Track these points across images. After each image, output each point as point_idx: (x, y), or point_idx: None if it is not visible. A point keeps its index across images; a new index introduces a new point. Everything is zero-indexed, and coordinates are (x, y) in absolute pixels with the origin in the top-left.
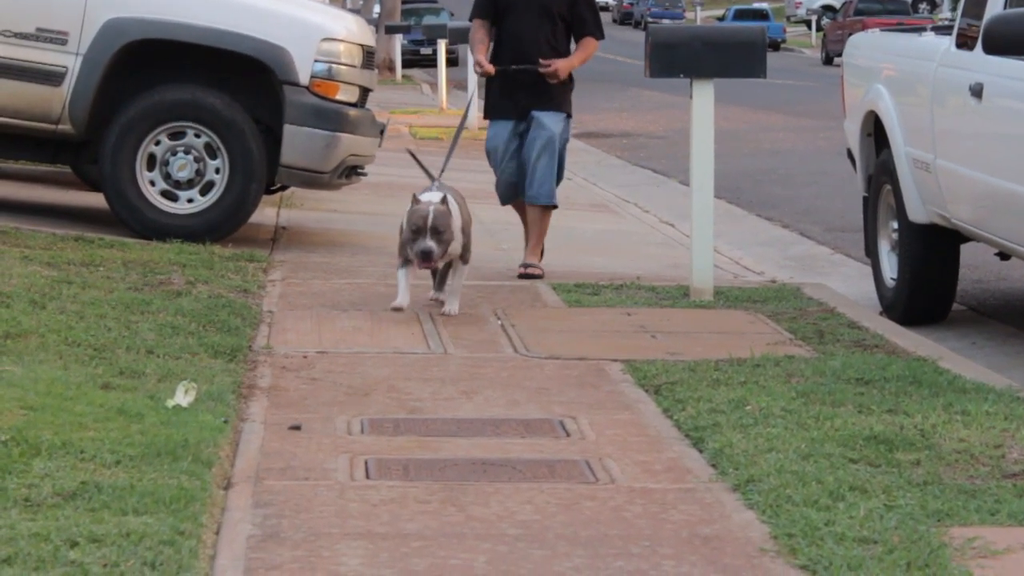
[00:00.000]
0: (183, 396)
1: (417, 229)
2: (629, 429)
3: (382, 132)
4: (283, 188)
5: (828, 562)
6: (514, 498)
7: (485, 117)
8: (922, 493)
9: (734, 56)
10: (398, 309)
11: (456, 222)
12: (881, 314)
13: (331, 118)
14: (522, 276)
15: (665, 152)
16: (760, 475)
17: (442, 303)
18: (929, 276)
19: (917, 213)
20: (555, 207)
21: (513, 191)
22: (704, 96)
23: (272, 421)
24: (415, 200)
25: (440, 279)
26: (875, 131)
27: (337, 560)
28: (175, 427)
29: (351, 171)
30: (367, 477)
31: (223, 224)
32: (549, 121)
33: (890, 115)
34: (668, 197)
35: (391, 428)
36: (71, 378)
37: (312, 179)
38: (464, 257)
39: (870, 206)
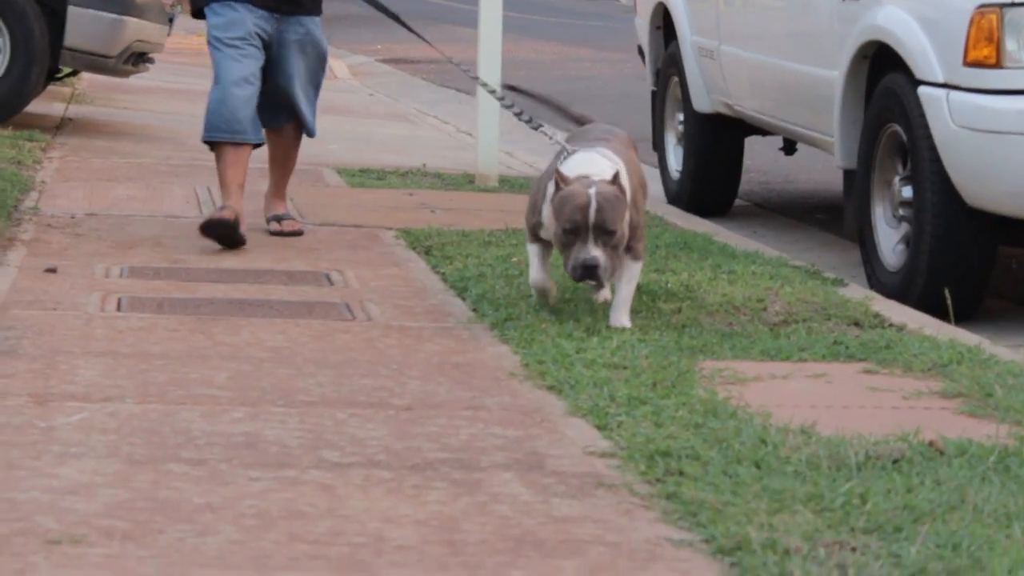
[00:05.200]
0: None
1: (574, 227)
2: (395, 281)
3: (171, 21)
4: (73, 74)
5: (575, 382)
6: (266, 330)
7: None
8: (679, 333)
9: None
10: (542, 289)
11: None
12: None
13: (117, 1)
14: (278, 233)
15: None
16: (518, 314)
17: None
18: (713, 167)
19: (702, 102)
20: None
21: (248, 109)
22: None
23: (28, 266)
24: (561, 178)
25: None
26: (664, 24)
27: (74, 372)
28: None
29: (139, 58)
30: (118, 310)
31: (3, 106)
32: (318, 32)
33: (677, 5)
34: (470, 112)
35: (151, 274)
36: None
37: (97, 63)
38: (632, 247)
39: (657, 99)
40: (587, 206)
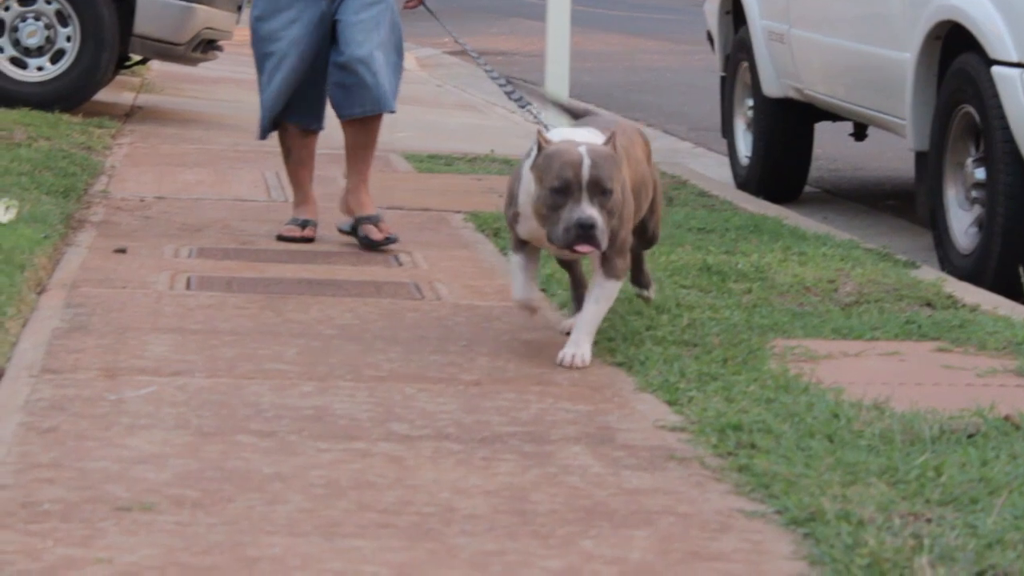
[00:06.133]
0: (3, 213)
1: (564, 184)
2: (464, 263)
3: (239, 8)
4: (141, 63)
5: (644, 358)
6: (335, 308)
7: None
8: (749, 313)
9: None
10: (526, 307)
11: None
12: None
13: None
14: (371, 244)
15: (539, 67)
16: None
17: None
18: (783, 152)
19: (771, 87)
20: (392, 112)
21: (312, 103)
22: None
23: (98, 247)
24: (544, 139)
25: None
26: (734, 9)
27: (143, 348)
28: None
29: (207, 45)
30: (187, 288)
31: (74, 93)
32: None
33: None
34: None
35: (220, 255)
36: None
37: (166, 50)
38: (608, 260)
39: (727, 85)
40: (579, 162)
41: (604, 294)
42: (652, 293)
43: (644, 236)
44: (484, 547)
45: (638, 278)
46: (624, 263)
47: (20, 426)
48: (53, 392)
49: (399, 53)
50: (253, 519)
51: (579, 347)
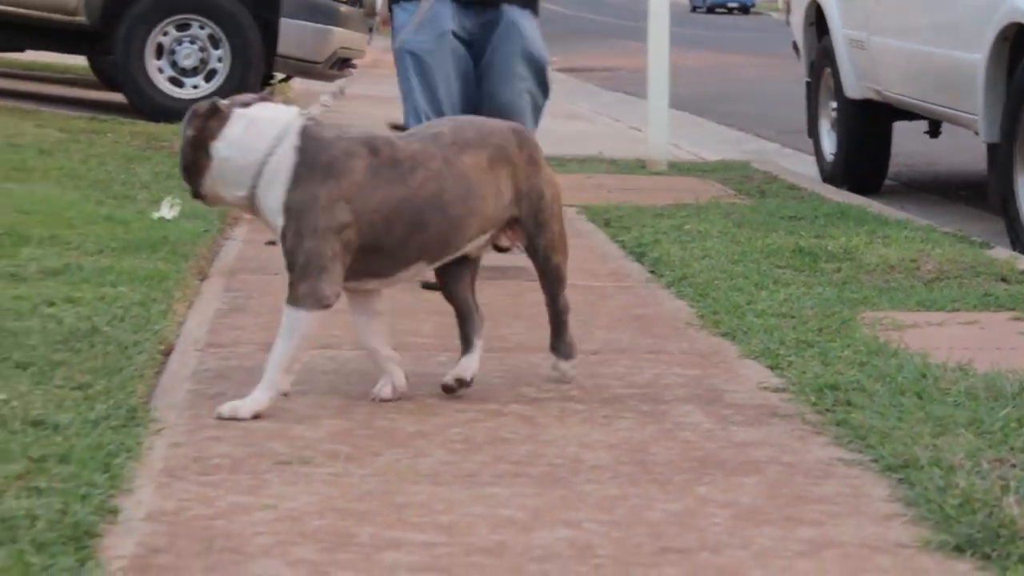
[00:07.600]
0: (168, 210)
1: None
2: (577, 249)
3: (371, 30)
4: (285, 80)
5: (747, 329)
6: None
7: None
8: (840, 289)
9: None
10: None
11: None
12: None
13: (324, 12)
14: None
15: (642, 80)
16: (692, 274)
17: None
18: (864, 148)
19: (853, 90)
20: None
21: None
22: None
23: (251, 239)
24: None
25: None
26: (817, 20)
27: None
28: (157, 230)
29: (342, 63)
30: None
31: None
32: (529, 27)
33: (830, 2)
34: (639, 112)
35: None
36: (66, 196)
37: (306, 68)
38: (292, 284)
39: (812, 90)
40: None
41: (285, 326)
42: (571, 370)
43: (536, 258)
44: (609, 492)
45: (556, 342)
46: (309, 287)
47: (189, 392)
48: (218, 363)
49: (544, 93)
50: (400, 471)
51: (250, 396)
